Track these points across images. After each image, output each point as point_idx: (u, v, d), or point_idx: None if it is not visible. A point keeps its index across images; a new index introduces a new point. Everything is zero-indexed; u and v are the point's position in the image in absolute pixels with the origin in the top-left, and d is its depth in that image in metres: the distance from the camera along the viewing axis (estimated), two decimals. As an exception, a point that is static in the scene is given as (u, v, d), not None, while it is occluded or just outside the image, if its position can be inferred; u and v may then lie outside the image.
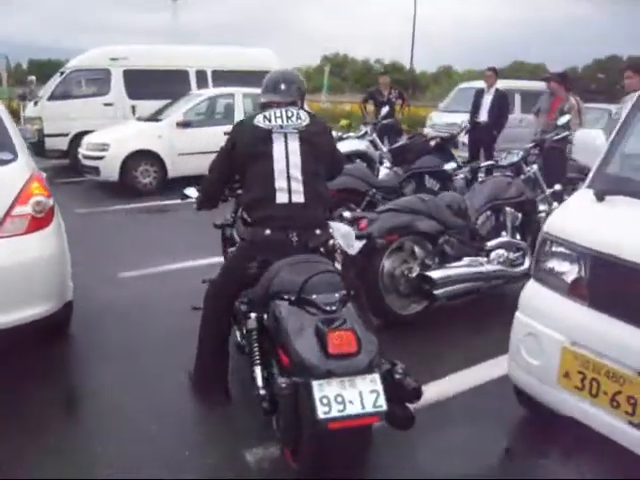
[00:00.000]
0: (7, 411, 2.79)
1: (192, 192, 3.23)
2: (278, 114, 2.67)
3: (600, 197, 2.30)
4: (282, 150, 2.61)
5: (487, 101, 8.13)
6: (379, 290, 3.68)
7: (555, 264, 2.35)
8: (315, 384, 1.85)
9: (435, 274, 3.66)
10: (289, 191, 2.56)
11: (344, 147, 5.73)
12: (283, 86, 2.77)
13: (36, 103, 10.11)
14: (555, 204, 4.52)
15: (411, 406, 2.05)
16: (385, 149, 6.88)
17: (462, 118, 10.33)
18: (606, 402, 2.09)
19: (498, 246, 4.07)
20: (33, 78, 11.40)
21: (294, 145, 2.62)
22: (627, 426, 2.03)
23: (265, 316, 2.33)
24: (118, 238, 5.96)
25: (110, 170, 8.21)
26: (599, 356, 2.11)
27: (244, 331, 2.71)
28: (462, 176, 5.08)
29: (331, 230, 2.76)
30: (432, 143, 5.95)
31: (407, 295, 3.81)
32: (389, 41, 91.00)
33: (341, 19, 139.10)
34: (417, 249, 3.83)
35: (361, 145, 6.84)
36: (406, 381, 2.00)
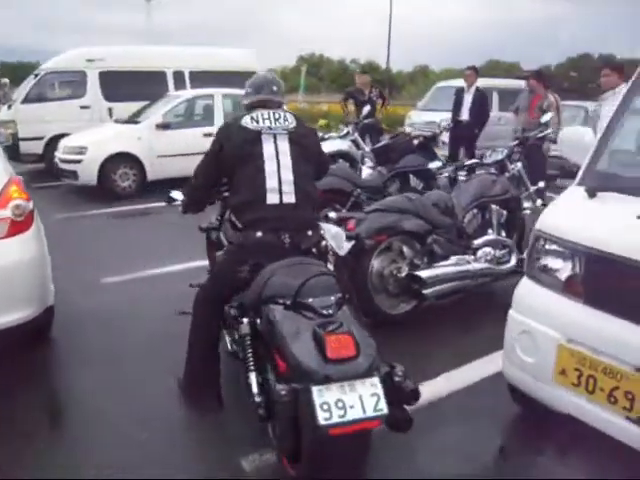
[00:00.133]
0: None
1: (178, 195, 3.17)
2: (266, 116, 2.66)
3: (592, 194, 2.31)
4: (272, 151, 2.58)
5: (468, 100, 8.20)
6: (368, 290, 3.66)
7: (549, 262, 2.35)
8: (315, 390, 1.81)
9: (424, 273, 3.66)
10: (280, 192, 2.53)
11: (326, 147, 5.67)
12: (275, 87, 2.81)
13: (10, 106, 9.88)
14: (539, 201, 4.57)
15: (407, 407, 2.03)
16: (367, 149, 6.87)
17: (441, 117, 10.41)
18: (603, 398, 2.10)
19: (485, 244, 4.09)
20: (6, 81, 11.18)
21: (284, 146, 2.60)
22: (625, 421, 2.04)
23: (258, 321, 2.29)
24: (99, 243, 5.84)
25: (88, 174, 8.05)
26: (596, 353, 2.11)
27: (235, 336, 2.67)
28: (446, 174, 5.09)
29: (322, 231, 2.74)
30: (415, 142, 5.95)
31: (396, 295, 3.80)
32: (365, 42, 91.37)
33: (317, 20, 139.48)
34: (406, 249, 3.82)
35: (343, 145, 6.82)
36: (405, 383, 1.98)
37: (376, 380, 1.89)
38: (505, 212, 4.33)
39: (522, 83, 9.97)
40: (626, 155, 2.61)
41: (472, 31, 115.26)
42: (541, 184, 4.52)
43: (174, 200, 3.16)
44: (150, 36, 30.36)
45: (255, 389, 2.17)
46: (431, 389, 2.98)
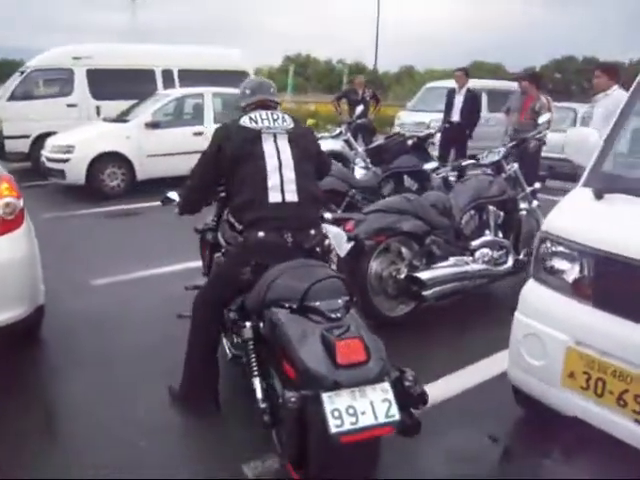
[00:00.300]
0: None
1: (174, 196, 3.10)
2: (264, 116, 2.64)
3: (599, 195, 2.29)
4: (273, 150, 2.55)
5: (459, 101, 8.22)
6: (367, 292, 3.62)
7: (556, 264, 2.33)
8: (325, 396, 1.76)
9: (424, 275, 3.63)
10: (282, 190, 2.49)
11: (320, 147, 5.65)
12: (272, 89, 2.85)
13: (-6, 104, 9.71)
14: (535, 202, 4.57)
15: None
16: (360, 149, 6.84)
17: (430, 117, 10.45)
18: (612, 401, 2.08)
19: (482, 245, 4.08)
20: (-10, 78, 10.97)
21: (284, 145, 2.58)
22: (634, 424, 2.03)
23: (261, 325, 2.23)
24: (88, 243, 5.74)
25: (76, 173, 7.91)
26: (605, 355, 2.09)
27: (235, 340, 2.61)
28: (442, 175, 5.07)
29: (324, 231, 2.69)
30: (409, 142, 5.93)
31: (395, 296, 3.77)
32: (351, 42, 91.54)
33: (304, 21, 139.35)
34: (404, 250, 3.79)
35: (336, 145, 6.78)
36: (414, 388, 1.94)
37: (387, 385, 1.85)
38: (502, 213, 4.31)
39: (512, 84, 10.03)
40: (632, 156, 2.60)
41: (456, 31, 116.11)
42: (537, 185, 4.51)
43: (171, 201, 3.10)
44: (135, 35, 30.17)
45: (260, 395, 2.13)
46: (433, 391, 2.94)
